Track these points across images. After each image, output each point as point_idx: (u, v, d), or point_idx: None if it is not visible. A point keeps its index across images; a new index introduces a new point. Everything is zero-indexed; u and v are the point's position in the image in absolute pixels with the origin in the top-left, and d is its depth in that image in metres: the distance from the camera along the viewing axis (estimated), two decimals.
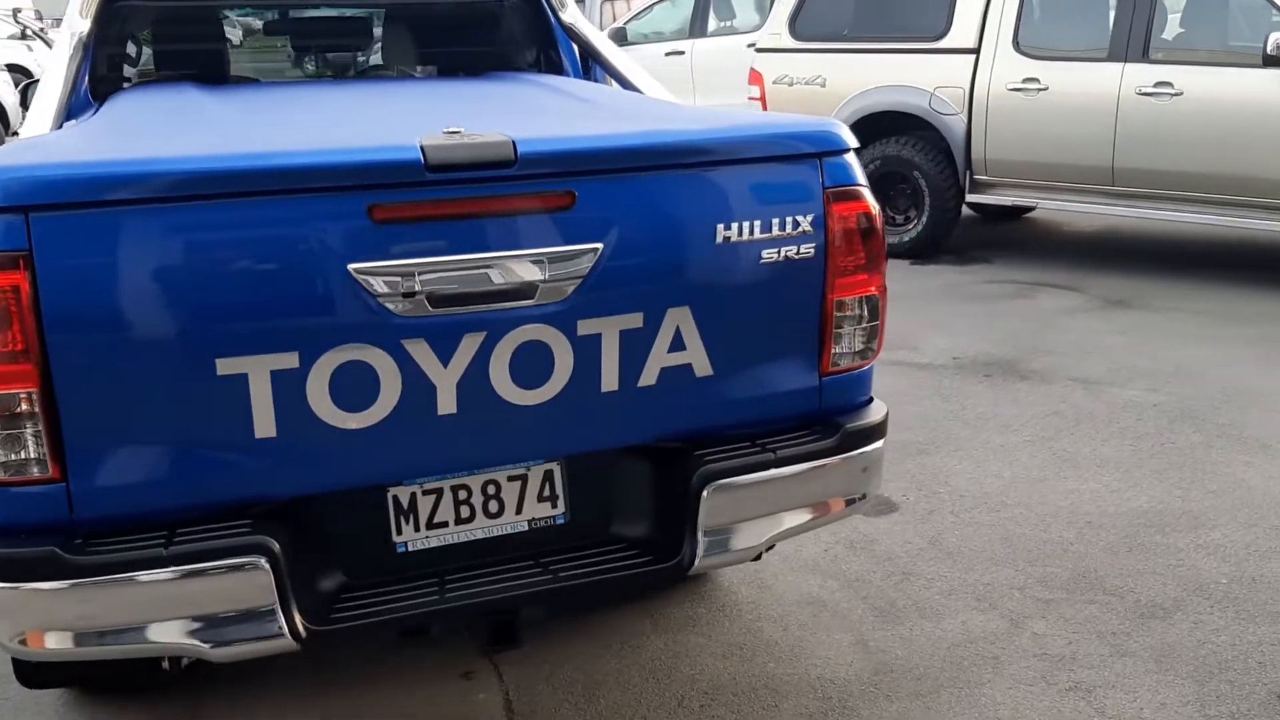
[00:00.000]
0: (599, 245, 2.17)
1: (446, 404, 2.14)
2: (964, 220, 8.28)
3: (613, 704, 2.91)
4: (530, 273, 2.13)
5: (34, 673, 2.55)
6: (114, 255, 1.91)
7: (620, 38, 12.15)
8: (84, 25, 3.19)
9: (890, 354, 5.56)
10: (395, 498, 2.28)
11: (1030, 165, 7.15)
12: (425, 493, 2.30)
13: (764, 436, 2.45)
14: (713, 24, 11.89)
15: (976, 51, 7.22)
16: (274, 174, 1.99)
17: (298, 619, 2.08)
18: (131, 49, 3.78)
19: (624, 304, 2.23)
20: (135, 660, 2.50)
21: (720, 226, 2.27)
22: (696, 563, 2.35)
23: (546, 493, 2.39)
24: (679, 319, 2.28)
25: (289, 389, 2.04)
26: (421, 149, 2.05)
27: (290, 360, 2.02)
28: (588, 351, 2.22)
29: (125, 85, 3.53)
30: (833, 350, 2.46)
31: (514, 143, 2.10)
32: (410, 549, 2.30)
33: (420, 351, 2.09)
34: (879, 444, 2.53)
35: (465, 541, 2.34)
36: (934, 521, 3.85)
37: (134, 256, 1.92)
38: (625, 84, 3.55)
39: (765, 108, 8.08)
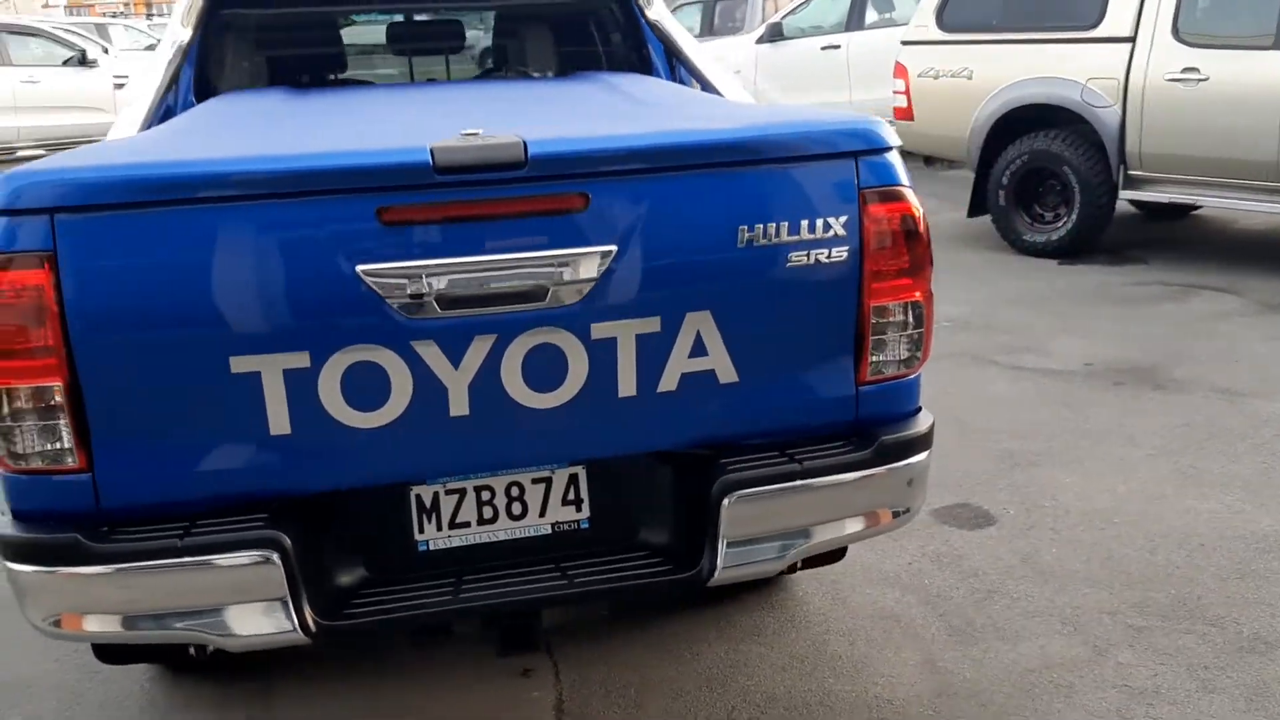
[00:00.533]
0: (612, 248, 2.13)
1: (459, 406, 2.15)
2: (1123, 218, 7.86)
3: (662, 710, 2.87)
4: (541, 275, 2.11)
5: (100, 650, 2.68)
6: (132, 255, 1.98)
7: (776, 33, 12.01)
8: (185, 34, 3.34)
9: (1016, 358, 5.35)
10: (418, 496, 2.30)
11: (1188, 160, 6.72)
12: (448, 492, 2.31)
13: (796, 446, 2.36)
14: (870, 17, 11.61)
15: (1132, 40, 6.82)
16: (285, 176, 2.03)
17: (308, 613, 2.12)
18: (245, 56, 3.92)
19: (639, 308, 2.18)
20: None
21: (743, 229, 2.20)
22: (717, 574, 2.29)
23: (570, 496, 2.37)
24: (699, 323, 2.22)
25: (301, 388, 2.07)
26: (430, 151, 2.05)
27: (302, 360, 2.06)
28: (603, 355, 2.19)
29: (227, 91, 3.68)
30: (871, 358, 2.36)
31: (525, 144, 2.08)
32: (432, 548, 2.32)
33: (430, 353, 2.10)
34: (922, 456, 2.42)
35: (487, 542, 2.34)
36: (1031, 538, 3.66)
37: (150, 256, 1.98)
38: (704, 83, 3.50)
39: (909, 102, 7.85)
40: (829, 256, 2.26)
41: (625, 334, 2.19)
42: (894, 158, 2.32)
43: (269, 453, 2.11)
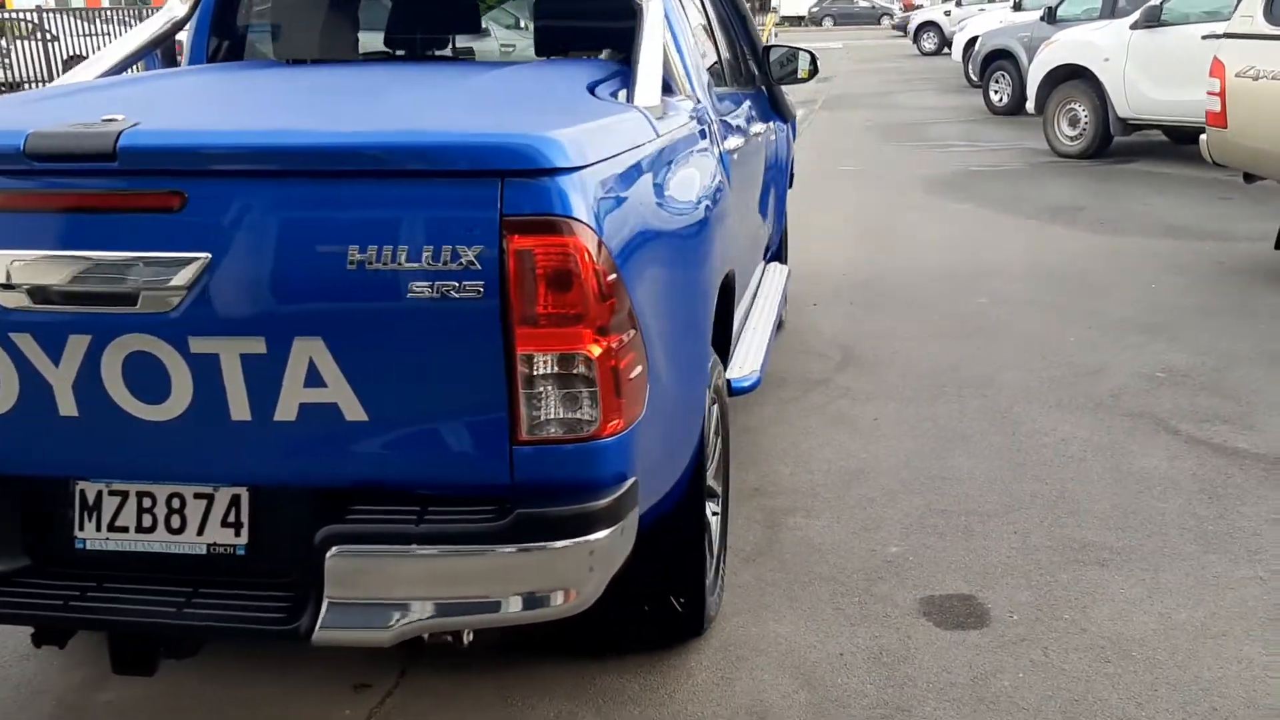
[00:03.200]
0: (207, 255, 1.96)
1: (66, 405, 2.08)
2: None
3: None
4: (128, 277, 1.98)
5: None
6: None
7: (1153, 17, 10.61)
8: (181, 10, 3.47)
9: (1207, 429, 4.42)
10: (82, 492, 2.25)
11: None
12: (111, 493, 2.24)
13: (446, 503, 2.07)
14: None
15: None
16: None
17: None
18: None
19: (240, 325, 1.99)
20: None
21: (354, 249, 1.94)
22: (315, 634, 2.05)
23: (231, 519, 2.22)
24: (311, 350, 1.99)
25: None
26: (25, 136, 1.98)
27: None
28: (207, 372, 2.02)
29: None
30: (525, 415, 2.00)
31: (117, 135, 1.95)
32: (89, 547, 2.26)
33: (29, 347, 2.04)
34: (578, 540, 2.02)
35: (142, 552, 2.25)
36: (1010, 654, 2.99)
37: None
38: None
39: (1223, 106, 6.64)
40: (460, 291, 1.94)
41: (229, 352, 2.01)
42: (558, 181, 1.93)
43: None
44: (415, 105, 2.59)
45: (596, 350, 1.98)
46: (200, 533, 2.23)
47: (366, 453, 2.06)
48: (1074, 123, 11.66)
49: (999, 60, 15.81)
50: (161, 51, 3.66)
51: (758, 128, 4.66)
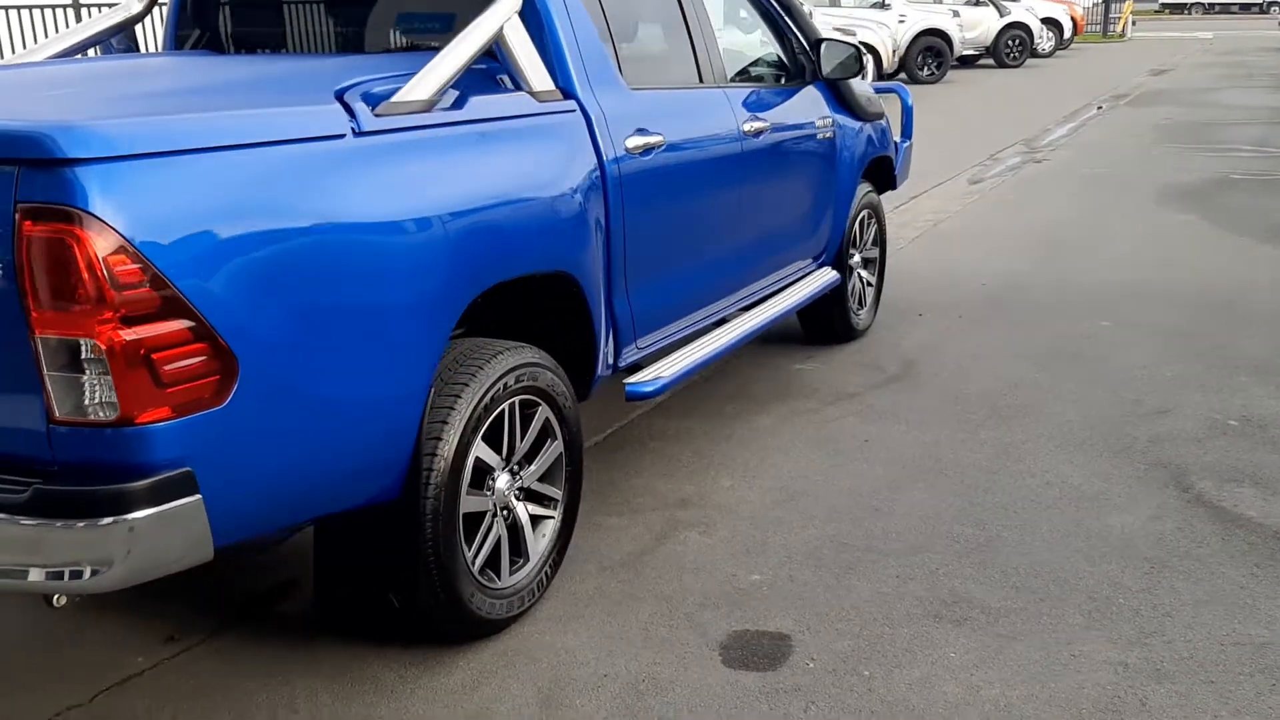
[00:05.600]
0: None
1: None
2: None
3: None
4: None
5: None
6: None
7: None
8: (137, 6, 3.78)
9: (1229, 491, 3.88)
10: None
11: None
12: None
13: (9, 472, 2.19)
14: None
15: None
16: None
17: None
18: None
19: None
20: None
21: None
22: None
23: None
24: None
25: None
26: None
27: None
28: None
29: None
30: (53, 396, 2.09)
31: None
32: None
33: None
34: (111, 520, 2.08)
35: None
36: (774, 700, 2.77)
37: None
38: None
39: None
40: None
41: None
42: (75, 171, 2.00)
43: None
44: (71, 97, 2.70)
45: (116, 338, 2.04)
46: None
47: None
48: None
49: None
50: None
51: (774, 125, 4.46)
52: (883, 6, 21.18)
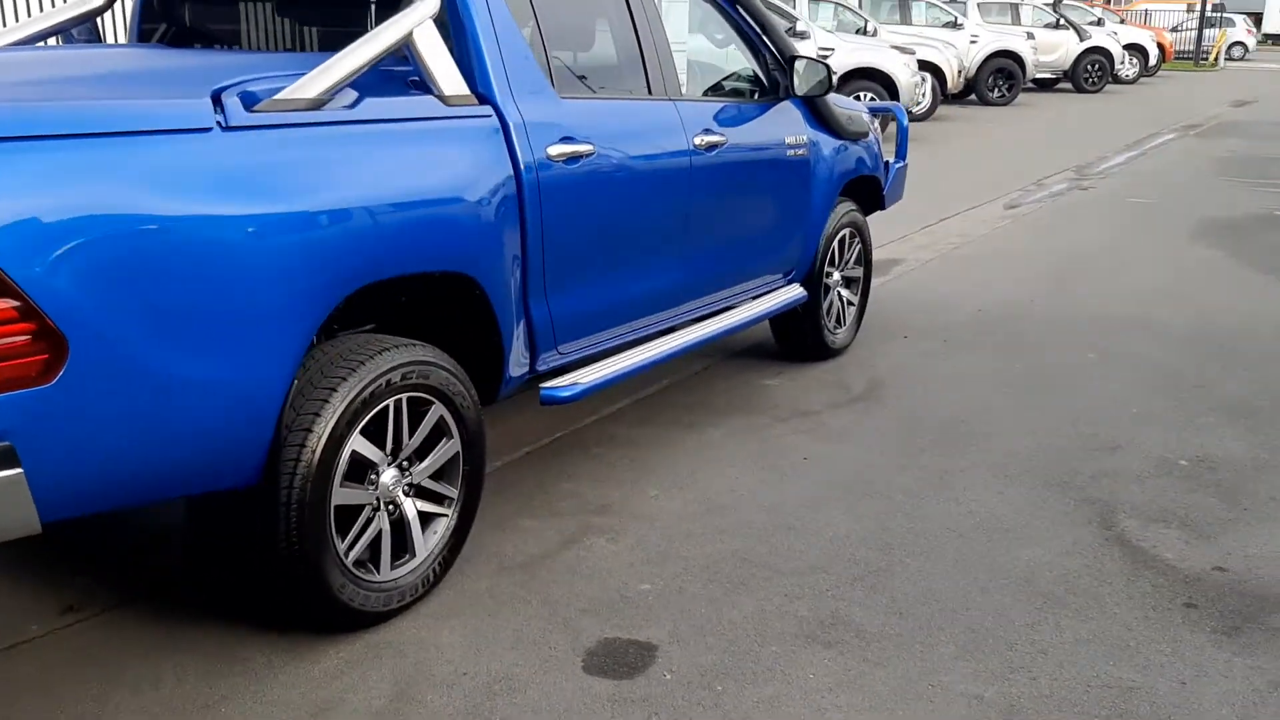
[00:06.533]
0: None
1: None
2: None
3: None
4: None
5: None
6: None
7: None
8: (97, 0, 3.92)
9: (1144, 529, 3.73)
10: None
11: None
12: None
13: None
14: None
15: None
16: None
17: None
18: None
19: None
20: None
21: None
22: None
23: None
24: None
25: None
26: None
27: None
28: None
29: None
30: None
31: None
32: None
33: None
34: None
35: None
36: (617, 709, 2.79)
37: None
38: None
39: None
40: None
41: None
42: None
43: None
44: None
45: None
46: None
47: None
48: None
49: None
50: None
51: (733, 140, 4.47)
52: (954, 26, 20.95)
